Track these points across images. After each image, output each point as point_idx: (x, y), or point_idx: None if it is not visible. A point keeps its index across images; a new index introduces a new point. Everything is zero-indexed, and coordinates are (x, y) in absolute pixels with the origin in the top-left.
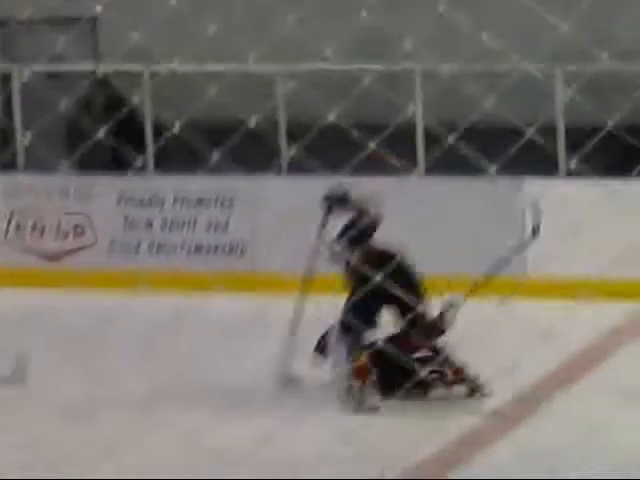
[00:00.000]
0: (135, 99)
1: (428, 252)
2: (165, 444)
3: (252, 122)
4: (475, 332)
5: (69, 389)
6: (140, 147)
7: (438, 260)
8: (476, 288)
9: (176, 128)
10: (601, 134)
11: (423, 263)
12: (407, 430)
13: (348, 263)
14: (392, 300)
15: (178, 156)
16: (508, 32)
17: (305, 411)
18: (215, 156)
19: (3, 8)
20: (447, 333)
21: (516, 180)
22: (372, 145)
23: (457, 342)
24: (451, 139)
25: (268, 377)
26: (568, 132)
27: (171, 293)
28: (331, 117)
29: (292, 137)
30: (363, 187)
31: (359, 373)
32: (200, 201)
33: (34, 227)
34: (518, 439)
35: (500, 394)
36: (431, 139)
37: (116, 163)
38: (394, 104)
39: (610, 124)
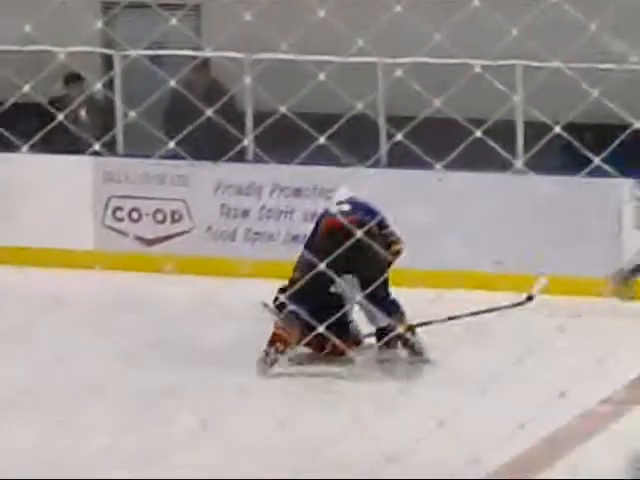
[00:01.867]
0: (236, 87)
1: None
2: None
3: (358, 106)
4: None
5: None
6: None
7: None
8: None
9: (284, 109)
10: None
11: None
12: None
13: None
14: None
15: (277, 145)
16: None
17: None
18: (322, 140)
19: None
20: None
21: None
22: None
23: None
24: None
25: None
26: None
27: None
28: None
29: None
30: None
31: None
32: (297, 191)
33: (131, 212)
34: None
35: None
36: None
37: (215, 150)
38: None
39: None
